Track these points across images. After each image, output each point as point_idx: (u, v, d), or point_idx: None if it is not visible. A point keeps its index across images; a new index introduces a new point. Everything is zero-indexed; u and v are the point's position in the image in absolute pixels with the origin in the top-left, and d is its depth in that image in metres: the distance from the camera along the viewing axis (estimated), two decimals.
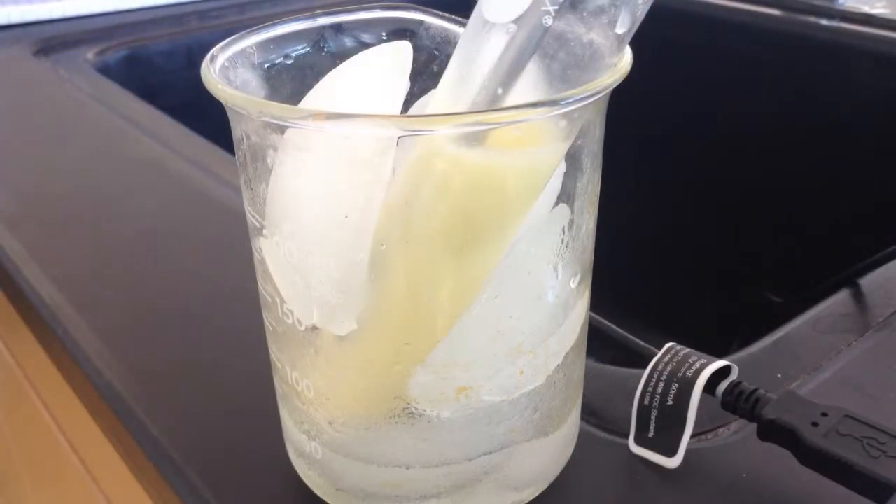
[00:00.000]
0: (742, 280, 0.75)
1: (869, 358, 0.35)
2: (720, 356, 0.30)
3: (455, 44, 0.24)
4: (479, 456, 0.26)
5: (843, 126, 0.68)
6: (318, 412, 0.26)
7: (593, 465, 0.30)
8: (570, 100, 0.21)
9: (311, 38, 0.28)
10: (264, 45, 0.27)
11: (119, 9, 0.83)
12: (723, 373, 0.29)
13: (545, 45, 0.21)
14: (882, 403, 0.32)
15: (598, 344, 0.33)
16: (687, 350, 0.30)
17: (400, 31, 0.29)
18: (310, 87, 0.27)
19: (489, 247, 0.23)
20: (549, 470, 0.28)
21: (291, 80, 0.27)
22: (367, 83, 0.27)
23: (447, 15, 0.29)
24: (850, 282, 0.40)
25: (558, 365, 0.26)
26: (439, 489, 0.26)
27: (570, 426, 0.28)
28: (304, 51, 0.28)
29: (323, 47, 0.28)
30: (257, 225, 0.25)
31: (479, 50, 0.22)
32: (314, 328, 0.24)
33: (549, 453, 0.28)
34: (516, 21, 0.21)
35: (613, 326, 0.35)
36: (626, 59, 0.23)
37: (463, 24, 0.27)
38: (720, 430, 0.31)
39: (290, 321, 0.25)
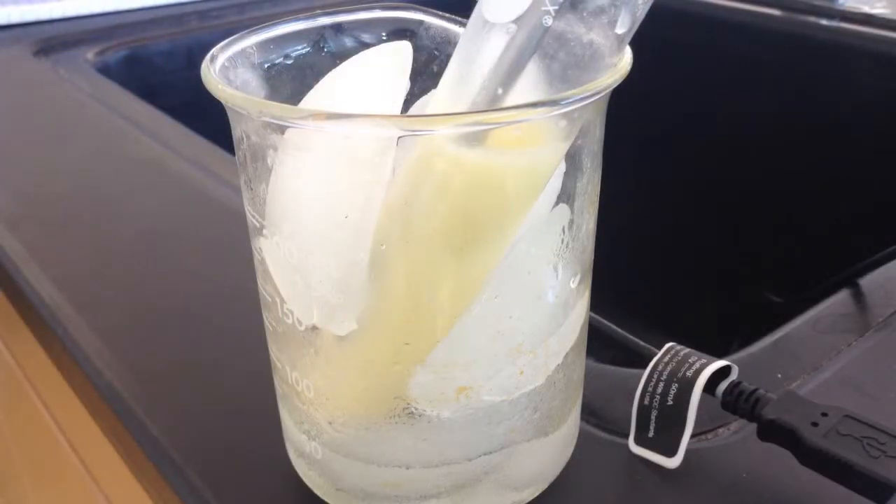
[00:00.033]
0: (742, 280, 0.75)
1: (869, 358, 0.35)
2: (720, 356, 0.30)
3: (455, 44, 0.24)
4: (479, 456, 0.26)
5: (843, 126, 0.67)
6: (318, 412, 0.26)
7: (593, 465, 0.30)
8: (570, 100, 0.21)
9: (311, 38, 0.28)
10: (264, 45, 0.27)
11: (119, 9, 0.83)
12: (723, 373, 0.29)
13: (545, 45, 0.21)
14: (882, 403, 0.32)
15: (598, 344, 0.33)
16: (687, 350, 0.30)
17: (400, 31, 0.29)
18: (310, 87, 0.27)
19: (489, 247, 0.23)
20: (549, 470, 0.28)
21: (291, 80, 0.27)
22: (367, 83, 0.27)
23: (447, 15, 0.28)
24: (850, 282, 0.40)
25: (558, 365, 0.26)
26: (439, 489, 0.26)
27: (570, 426, 0.28)
28: (304, 51, 0.28)
29: (323, 47, 0.28)
30: (257, 225, 0.25)
31: (479, 50, 0.22)
32: (314, 328, 0.24)
33: (549, 453, 0.28)
34: (516, 21, 0.21)
35: (613, 326, 0.35)
36: (626, 59, 0.23)
37: (463, 24, 0.27)
38: (720, 430, 0.31)
39: (290, 321, 0.25)
